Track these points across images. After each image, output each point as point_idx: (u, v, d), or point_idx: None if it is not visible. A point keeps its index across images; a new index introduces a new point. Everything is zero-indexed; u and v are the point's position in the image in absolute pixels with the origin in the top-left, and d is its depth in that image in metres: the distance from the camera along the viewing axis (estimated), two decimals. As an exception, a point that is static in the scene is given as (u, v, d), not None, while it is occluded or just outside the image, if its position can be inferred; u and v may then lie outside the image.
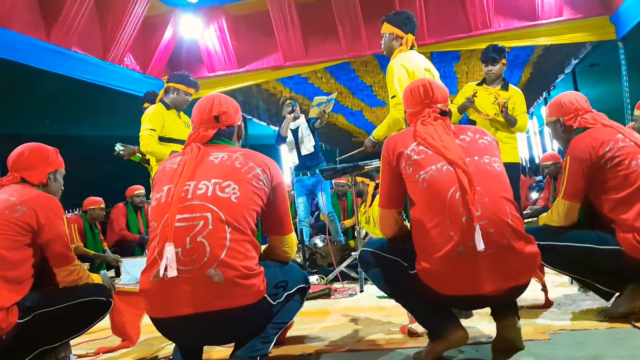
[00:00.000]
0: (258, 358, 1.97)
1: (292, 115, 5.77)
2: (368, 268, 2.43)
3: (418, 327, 2.50)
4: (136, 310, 2.82)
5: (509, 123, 4.48)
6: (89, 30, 6.80)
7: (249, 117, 9.99)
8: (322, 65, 8.37)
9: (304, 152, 5.81)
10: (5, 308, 2.14)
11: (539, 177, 11.33)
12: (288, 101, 5.89)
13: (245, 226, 1.97)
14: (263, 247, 2.28)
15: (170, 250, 1.87)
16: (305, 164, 5.85)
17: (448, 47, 7.66)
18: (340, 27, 7.59)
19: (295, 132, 5.84)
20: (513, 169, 4.14)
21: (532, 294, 3.06)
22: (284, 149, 6.05)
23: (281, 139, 5.82)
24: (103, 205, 6.86)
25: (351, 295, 4.02)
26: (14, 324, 2.15)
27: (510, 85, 4.68)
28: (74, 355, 2.71)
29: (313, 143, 5.83)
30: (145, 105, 5.30)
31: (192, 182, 2.02)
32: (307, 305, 3.49)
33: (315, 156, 5.87)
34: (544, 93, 10.65)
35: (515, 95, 4.59)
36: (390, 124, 3.63)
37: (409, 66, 3.56)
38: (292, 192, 6.34)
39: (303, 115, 5.91)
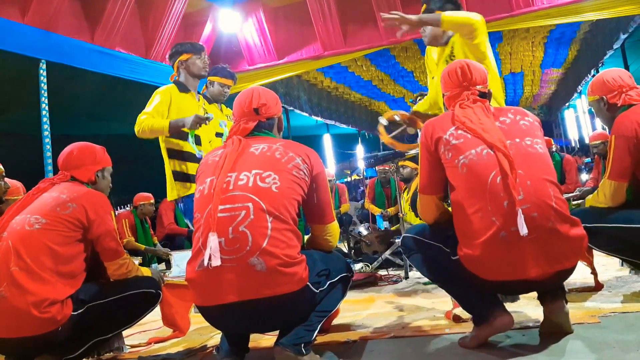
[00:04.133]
0: (302, 345, 1.99)
1: None
2: (410, 254, 2.42)
3: (463, 313, 2.48)
4: (185, 302, 2.89)
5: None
6: (131, 30, 6.99)
7: (291, 108, 10.03)
8: (361, 53, 8.32)
9: None
10: (60, 301, 2.23)
11: (587, 160, 10.99)
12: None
13: (286, 215, 2.00)
14: (306, 237, 2.30)
15: (213, 240, 1.91)
16: None
17: (490, 28, 7.35)
18: (378, 12, 7.51)
19: None
20: None
21: (581, 277, 2.99)
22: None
23: None
24: (152, 201, 7.04)
25: (396, 282, 4.02)
26: (68, 316, 2.24)
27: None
28: (127, 345, 2.80)
29: None
30: None
31: (234, 173, 2.06)
32: (353, 293, 3.52)
33: None
34: (592, 70, 10.31)
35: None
36: (431, 102, 3.61)
37: None
38: (335, 182, 6.35)
39: None
